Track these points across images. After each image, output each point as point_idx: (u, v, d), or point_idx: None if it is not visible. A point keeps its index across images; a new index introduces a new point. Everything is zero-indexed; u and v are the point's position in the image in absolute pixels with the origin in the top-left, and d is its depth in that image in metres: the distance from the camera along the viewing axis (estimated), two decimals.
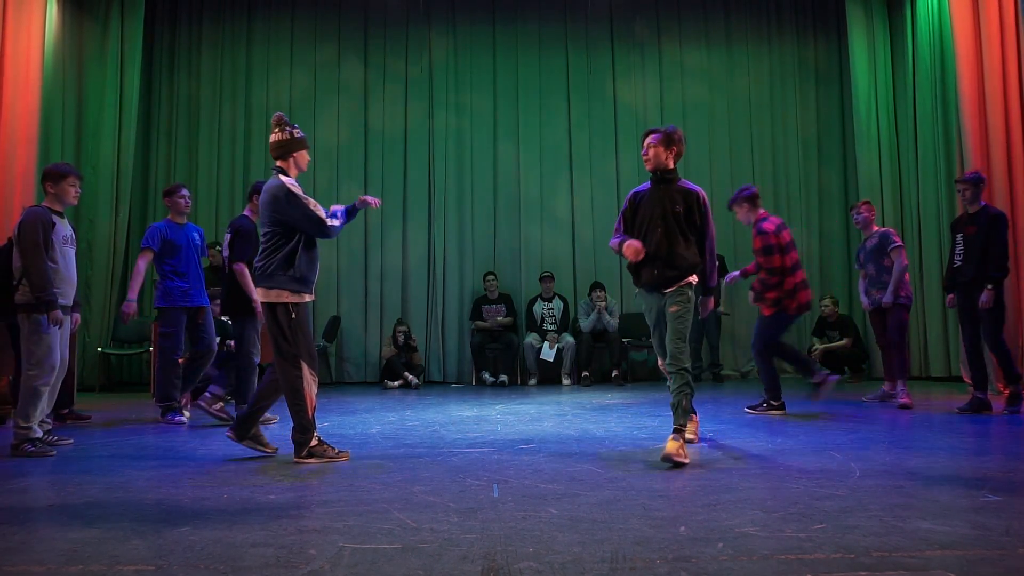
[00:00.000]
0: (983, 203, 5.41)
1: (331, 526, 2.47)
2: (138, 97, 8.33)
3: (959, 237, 5.45)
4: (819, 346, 8.31)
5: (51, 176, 4.28)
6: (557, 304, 8.58)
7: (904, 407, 5.65)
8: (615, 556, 2.12)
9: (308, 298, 3.81)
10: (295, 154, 3.86)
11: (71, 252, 4.34)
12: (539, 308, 8.57)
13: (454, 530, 2.41)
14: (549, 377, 8.48)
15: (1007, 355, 5.27)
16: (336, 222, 3.81)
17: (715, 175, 9.31)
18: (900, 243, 5.97)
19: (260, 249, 3.83)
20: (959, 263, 5.40)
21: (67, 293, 4.26)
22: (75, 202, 4.43)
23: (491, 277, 8.65)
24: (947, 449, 3.85)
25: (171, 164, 8.94)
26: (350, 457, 3.79)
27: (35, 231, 4.08)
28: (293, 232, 3.75)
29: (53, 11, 7.43)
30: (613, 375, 8.19)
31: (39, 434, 4.10)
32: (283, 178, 3.78)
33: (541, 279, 8.64)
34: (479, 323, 8.50)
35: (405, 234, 9.05)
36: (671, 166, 3.91)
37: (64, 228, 4.30)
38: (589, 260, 9.17)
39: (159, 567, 2.08)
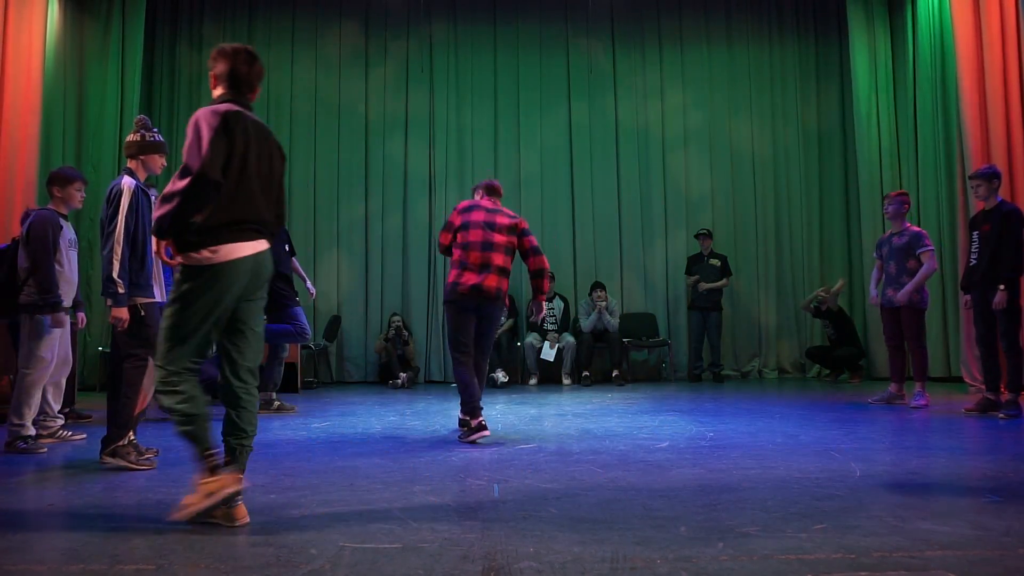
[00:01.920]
0: (999, 199, 5.25)
1: (331, 526, 2.47)
2: (139, 97, 8.33)
3: (975, 235, 5.32)
4: (817, 295, 8.34)
5: (58, 180, 4.41)
6: (557, 304, 8.58)
7: (917, 408, 5.62)
8: (615, 556, 2.12)
9: (145, 300, 3.75)
10: (143, 157, 3.84)
11: (74, 255, 4.50)
12: None
13: (454, 530, 2.41)
14: (549, 377, 8.48)
15: (1018, 360, 5.14)
16: (117, 276, 3.59)
17: (715, 175, 9.30)
18: (932, 247, 5.79)
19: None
20: (974, 261, 5.29)
21: (67, 294, 4.40)
22: (80, 206, 4.58)
23: None
24: (947, 449, 3.84)
25: (171, 164, 8.92)
26: (156, 466, 3.63)
27: (45, 234, 4.22)
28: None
29: (54, 11, 7.43)
30: (613, 375, 8.19)
31: (33, 432, 4.16)
32: (125, 179, 3.76)
33: None
34: None
35: (406, 234, 9.05)
36: (214, 92, 2.80)
37: (69, 231, 4.45)
38: (590, 260, 9.17)
39: (159, 566, 2.08)
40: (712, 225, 9.02)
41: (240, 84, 2.77)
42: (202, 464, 2.56)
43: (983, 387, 5.50)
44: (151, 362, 3.67)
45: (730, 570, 2.00)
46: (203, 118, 2.60)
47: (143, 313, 3.75)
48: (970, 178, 5.54)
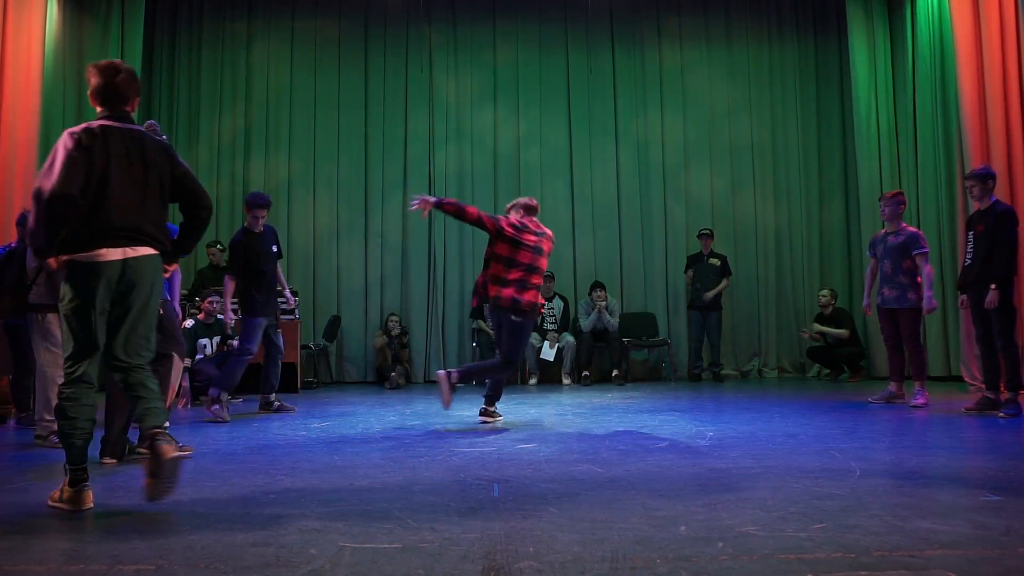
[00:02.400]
0: (993, 199, 5.29)
1: (331, 526, 2.47)
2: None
3: (970, 235, 5.35)
4: (817, 329, 8.30)
5: None
6: (557, 304, 8.58)
7: (916, 407, 5.62)
8: (615, 555, 2.12)
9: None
10: None
11: None
12: None
13: (454, 530, 2.41)
14: (549, 376, 8.48)
15: (1015, 359, 5.17)
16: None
17: (715, 175, 9.31)
18: (927, 249, 5.80)
19: None
20: (969, 261, 5.33)
21: None
22: None
23: None
24: (947, 449, 3.84)
25: None
26: (193, 453, 3.88)
27: None
28: None
29: (53, 11, 7.43)
30: (613, 374, 8.19)
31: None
32: None
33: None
34: (480, 323, 8.50)
35: (405, 233, 9.05)
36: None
37: None
38: (589, 260, 9.17)
39: (159, 567, 2.08)
40: (712, 224, 9.02)
41: (112, 97, 2.92)
42: (67, 474, 2.81)
43: (983, 386, 5.51)
44: (176, 358, 3.81)
45: (730, 570, 2.00)
46: (61, 142, 2.79)
47: (161, 311, 3.81)
48: (965, 178, 5.58)
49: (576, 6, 9.31)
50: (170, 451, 2.67)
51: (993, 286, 5.09)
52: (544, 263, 5.10)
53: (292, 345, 7.61)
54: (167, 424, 3.82)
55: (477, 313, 8.59)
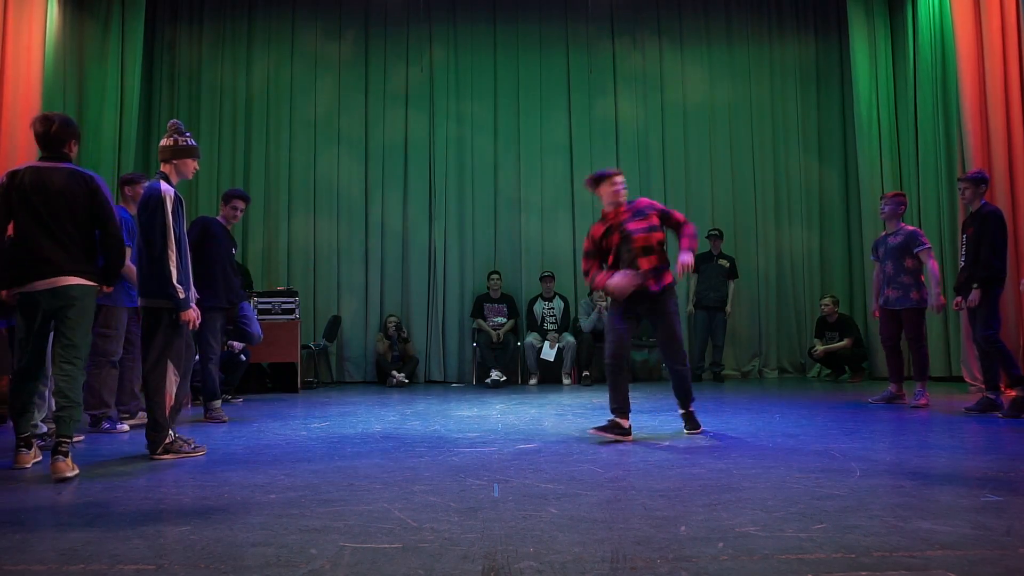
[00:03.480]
0: (983, 202, 5.36)
1: (331, 526, 2.47)
2: (138, 97, 8.32)
3: (963, 237, 5.43)
4: (820, 348, 8.31)
5: None
6: (558, 304, 8.58)
7: (917, 407, 5.63)
8: (616, 556, 2.12)
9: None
10: (176, 161, 4.03)
11: None
12: (540, 308, 8.57)
13: (455, 530, 2.41)
14: (550, 377, 8.48)
15: (1006, 355, 5.22)
16: (177, 282, 3.78)
17: (716, 175, 9.31)
18: (929, 245, 5.81)
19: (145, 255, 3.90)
20: (962, 263, 5.40)
21: None
22: None
23: (495, 276, 8.66)
24: (948, 449, 3.84)
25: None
26: (207, 452, 3.98)
27: None
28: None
29: (53, 11, 7.43)
30: None
31: (44, 429, 4.19)
32: (163, 185, 3.89)
33: (542, 279, 8.64)
34: (480, 323, 8.50)
35: (406, 234, 9.05)
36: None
37: None
38: None
39: (160, 567, 2.08)
40: (712, 224, 9.02)
41: (49, 143, 3.48)
42: (16, 442, 3.52)
43: (983, 386, 5.52)
44: (170, 366, 3.86)
45: (730, 570, 2.00)
46: None
47: (174, 317, 3.88)
48: (958, 180, 5.61)
49: (576, 6, 9.31)
50: (63, 470, 3.28)
51: (975, 286, 5.17)
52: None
53: (292, 345, 7.61)
54: (80, 437, 4.16)
55: (477, 313, 8.59)
